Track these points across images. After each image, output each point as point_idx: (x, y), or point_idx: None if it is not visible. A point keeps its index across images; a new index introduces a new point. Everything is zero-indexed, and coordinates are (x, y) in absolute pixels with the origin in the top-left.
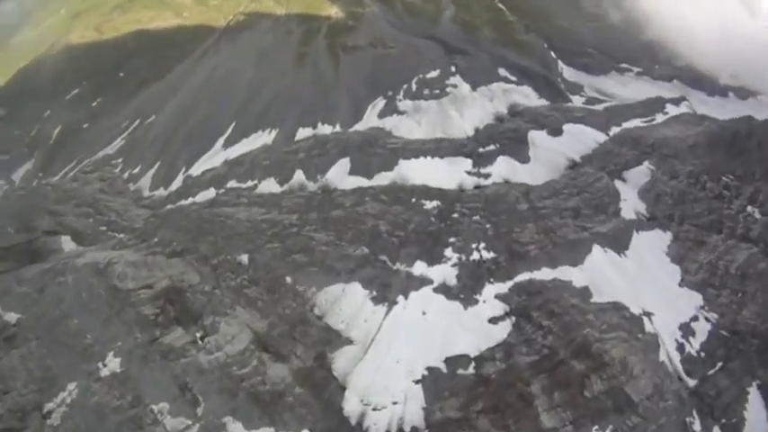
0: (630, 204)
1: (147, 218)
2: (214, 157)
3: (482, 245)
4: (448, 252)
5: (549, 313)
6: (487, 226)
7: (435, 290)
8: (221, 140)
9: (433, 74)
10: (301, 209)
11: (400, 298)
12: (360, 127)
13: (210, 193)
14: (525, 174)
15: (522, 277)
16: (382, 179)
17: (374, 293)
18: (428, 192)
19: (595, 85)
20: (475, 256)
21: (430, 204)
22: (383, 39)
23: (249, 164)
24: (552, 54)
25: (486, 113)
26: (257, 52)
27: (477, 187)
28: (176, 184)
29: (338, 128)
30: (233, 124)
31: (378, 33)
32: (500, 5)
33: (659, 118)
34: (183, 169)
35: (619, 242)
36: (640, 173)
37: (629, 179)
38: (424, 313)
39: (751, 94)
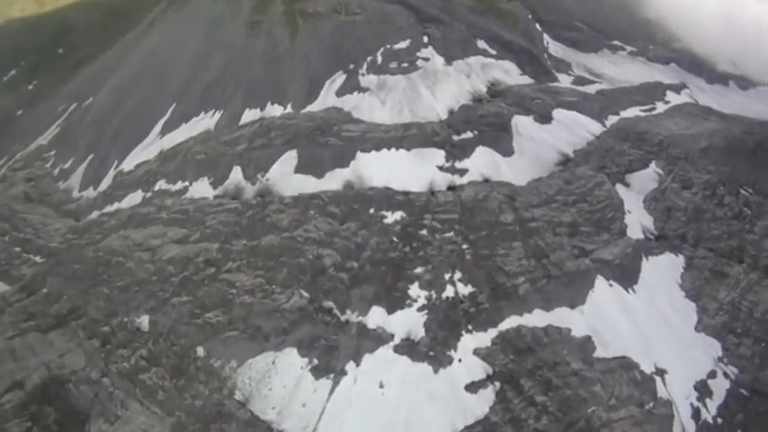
0: (636, 218)
1: (61, 237)
2: (150, 147)
3: (457, 275)
4: (414, 290)
5: (545, 384)
6: (464, 246)
7: (397, 349)
8: (159, 126)
9: (403, 44)
10: (227, 232)
11: (350, 366)
12: (314, 107)
13: (137, 196)
14: (509, 170)
15: (509, 323)
16: (334, 181)
17: (315, 362)
18: (390, 199)
19: (585, 64)
20: (448, 292)
21: (392, 217)
22: (348, 4)
23: (182, 158)
24: (537, 26)
25: (462, 92)
26: (207, 21)
27: (451, 188)
28: (107, 181)
29: (289, 108)
30: (173, 106)
31: None
32: None
33: (660, 107)
34: (116, 163)
35: (626, 273)
36: (647, 178)
37: (634, 184)
38: (381, 386)
39: (752, 85)
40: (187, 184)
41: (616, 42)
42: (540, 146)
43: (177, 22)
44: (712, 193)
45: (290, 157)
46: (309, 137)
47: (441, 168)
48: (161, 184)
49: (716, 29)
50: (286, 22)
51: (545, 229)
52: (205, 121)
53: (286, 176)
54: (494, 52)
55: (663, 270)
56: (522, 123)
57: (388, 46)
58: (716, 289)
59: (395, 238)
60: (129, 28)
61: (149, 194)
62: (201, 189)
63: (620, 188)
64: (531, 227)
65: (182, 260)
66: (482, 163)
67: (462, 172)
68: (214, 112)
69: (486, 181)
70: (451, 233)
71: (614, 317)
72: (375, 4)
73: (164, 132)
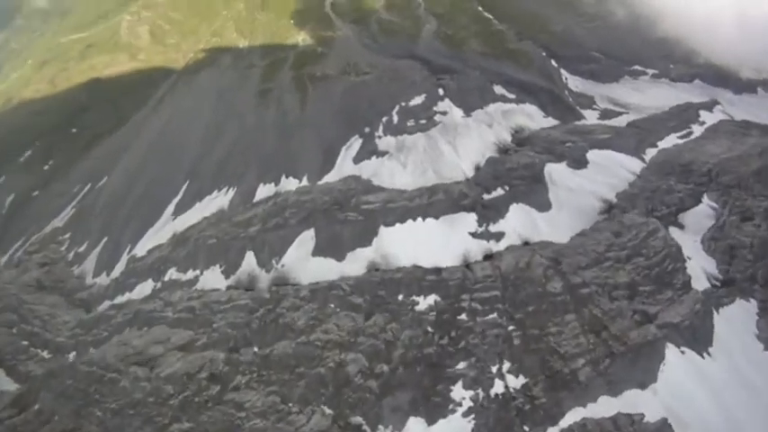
0: (698, 264)
1: (69, 332)
2: (162, 230)
3: (506, 365)
4: (457, 391)
5: None
6: (511, 328)
7: None
8: (172, 206)
9: (418, 100)
10: (236, 336)
11: None
12: (331, 177)
13: (148, 286)
14: (548, 227)
15: (572, 418)
16: (356, 263)
17: None
18: (421, 280)
19: (608, 95)
20: (497, 387)
21: (424, 303)
22: (357, 64)
23: (194, 243)
24: (553, 62)
25: (487, 144)
26: (216, 93)
27: (487, 257)
28: (120, 267)
29: (305, 181)
30: (186, 184)
31: (351, 59)
32: (486, 14)
33: (696, 130)
34: (129, 247)
35: (698, 335)
36: (701, 215)
37: (689, 225)
38: None
39: None
40: (198, 272)
41: (636, 67)
42: (579, 194)
43: (187, 96)
44: None
45: (306, 238)
46: (327, 213)
47: (474, 235)
48: (171, 273)
49: (733, 36)
50: (296, 88)
51: (600, 295)
52: (219, 200)
53: (303, 260)
54: (513, 96)
55: (737, 322)
56: (556, 171)
57: (403, 103)
58: None
59: (430, 329)
60: (140, 104)
61: (159, 285)
62: (213, 279)
63: (674, 232)
64: (583, 294)
65: (182, 377)
66: (518, 223)
67: (498, 236)
68: (228, 189)
69: (526, 243)
70: (495, 314)
71: (692, 391)
72: (385, 60)
73: (176, 213)
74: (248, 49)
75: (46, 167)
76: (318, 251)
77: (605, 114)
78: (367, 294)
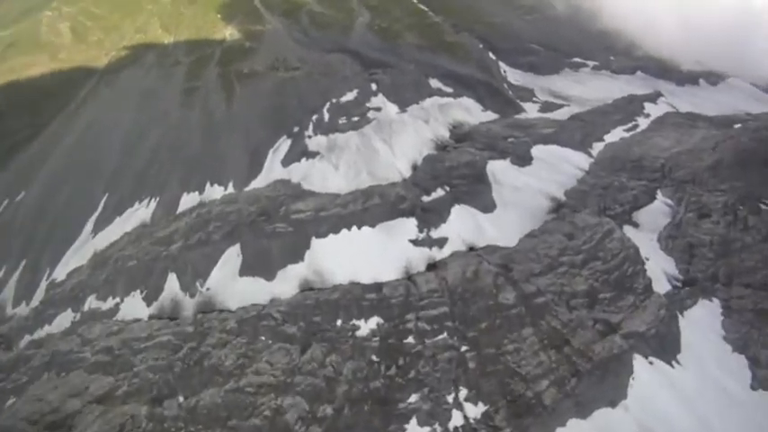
0: (657, 266)
1: None
2: (82, 250)
3: (462, 393)
4: (412, 429)
5: None
6: (463, 349)
7: None
8: (91, 222)
9: (350, 96)
10: (159, 383)
11: None
12: (259, 182)
13: (67, 318)
14: (494, 230)
15: None
16: (287, 283)
17: None
18: (360, 300)
19: (548, 87)
20: (456, 420)
21: (366, 327)
22: (286, 59)
23: (113, 266)
24: (491, 55)
25: (423, 141)
26: (139, 93)
27: (431, 267)
28: (39, 295)
29: (231, 188)
30: (105, 197)
31: (280, 53)
32: (421, 6)
33: (642, 123)
34: (48, 272)
35: (665, 344)
36: (657, 212)
37: (644, 223)
38: None
39: (720, 79)
40: (118, 300)
41: (576, 59)
42: (525, 193)
43: (108, 97)
44: (734, 216)
45: (232, 255)
46: (253, 225)
47: (415, 242)
48: (91, 301)
49: (674, 28)
50: (222, 86)
51: (557, 304)
52: (140, 213)
53: (229, 282)
54: (450, 90)
55: (703, 325)
56: (500, 169)
57: (335, 100)
58: (763, 332)
59: (374, 358)
60: (60, 109)
61: (78, 316)
62: (134, 307)
63: (629, 231)
64: (538, 304)
65: None
66: (462, 226)
67: (441, 242)
68: (149, 201)
69: (472, 249)
70: (444, 334)
71: (664, 403)
72: (316, 55)
73: (96, 230)
74: (173, 45)
75: None
76: (246, 270)
77: (546, 107)
78: (301, 321)
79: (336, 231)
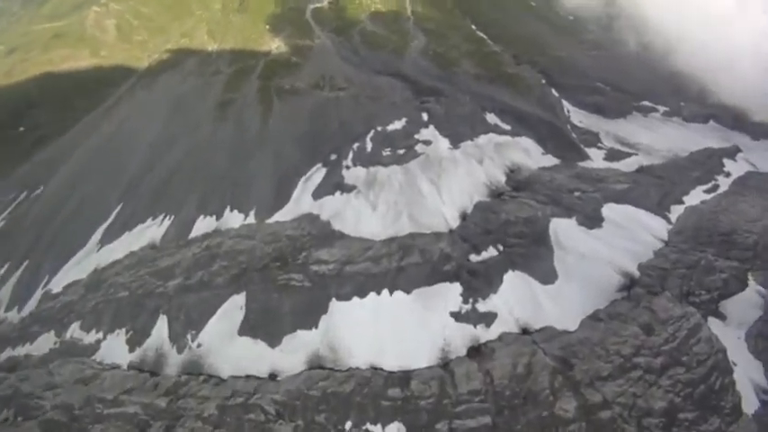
0: (745, 374)
1: None
2: (84, 262)
3: None
4: None
5: None
6: None
7: None
8: (99, 232)
9: (397, 125)
10: None
11: None
12: (283, 215)
13: (48, 341)
14: (553, 306)
15: None
16: (293, 355)
17: None
18: (380, 397)
19: (615, 132)
20: None
21: None
22: (332, 78)
23: (105, 292)
24: (554, 92)
25: (476, 184)
26: (174, 100)
27: (473, 352)
28: (32, 304)
29: (251, 217)
30: (119, 207)
31: (326, 71)
32: (480, 34)
33: (722, 183)
34: (47, 278)
35: None
36: (747, 303)
37: (732, 316)
38: None
39: None
40: (101, 336)
41: (645, 103)
42: (593, 263)
43: (143, 101)
44: None
45: (234, 307)
46: (265, 272)
47: (457, 316)
48: (74, 330)
49: (751, 75)
50: (259, 101)
51: (626, 421)
52: (151, 231)
53: (225, 341)
54: (508, 127)
55: None
56: (564, 230)
57: (380, 128)
58: None
59: None
60: (94, 105)
61: (57, 344)
62: (115, 349)
63: (714, 325)
64: (603, 420)
65: None
66: (515, 299)
67: (489, 319)
68: (163, 219)
69: (525, 332)
70: None
71: None
72: (364, 76)
73: (103, 242)
74: (217, 53)
75: None
76: (247, 328)
77: (613, 155)
78: (300, 419)
79: (362, 294)
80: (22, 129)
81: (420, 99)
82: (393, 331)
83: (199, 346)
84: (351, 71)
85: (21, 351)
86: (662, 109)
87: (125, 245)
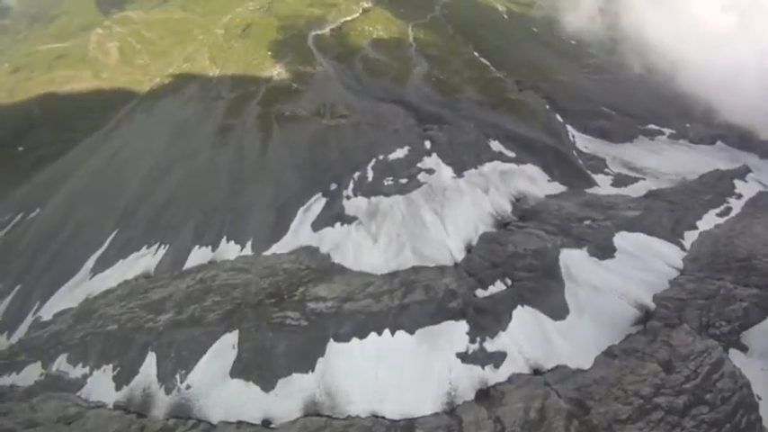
0: None
1: None
2: (76, 289)
3: None
4: None
5: None
6: None
7: None
8: (93, 259)
9: (399, 153)
10: None
11: None
12: (281, 247)
13: (33, 373)
14: (565, 344)
15: None
16: (288, 401)
17: None
18: None
19: (621, 157)
20: None
21: None
22: (333, 105)
23: (94, 324)
24: (558, 117)
25: (481, 215)
26: (173, 125)
27: (482, 394)
28: (21, 330)
29: (248, 248)
30: (114, 233)
31: (327, 98)
32: (482, 60)
33: (735, 205)
34: (38, 305)
35: None
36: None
37: (754, 346)
38: None
39: None
40: (87, 371)
41: (651, 126)
42: (606, 296)
43: (143, 125)
44: None
45: (226, 347)
46: (259, 309)
47: (464, 357)
48: (61, 362)
49: (755, 94)
50: (260, 127)
51: None
52: (145, 260)
53: (216, 382)
54: (512, 154)
55: None
56: (575, 261)
57: (382, 156)
58: None
59: None
60: (94, 128)
61: (43, 376)
62: (102, 386)
63: (735, 357)
64: None
65: None
66: (526, 337)
67: (498, 359)
68: (158, 247)
69: (537, 372)
70: None
71: None
72: (366, 103)
73: (96, 270)
74: (218, 78)
75: None
76: (239, 370)
77: (621, 180)
78: None
79: (362, 334)
80: (21, 148)
81: (423, 126)
82: (395, 375)
83: (188, 387)
84: (352, 98)
85: (7, 380)
86: (668, 131)
87: (119, 273)
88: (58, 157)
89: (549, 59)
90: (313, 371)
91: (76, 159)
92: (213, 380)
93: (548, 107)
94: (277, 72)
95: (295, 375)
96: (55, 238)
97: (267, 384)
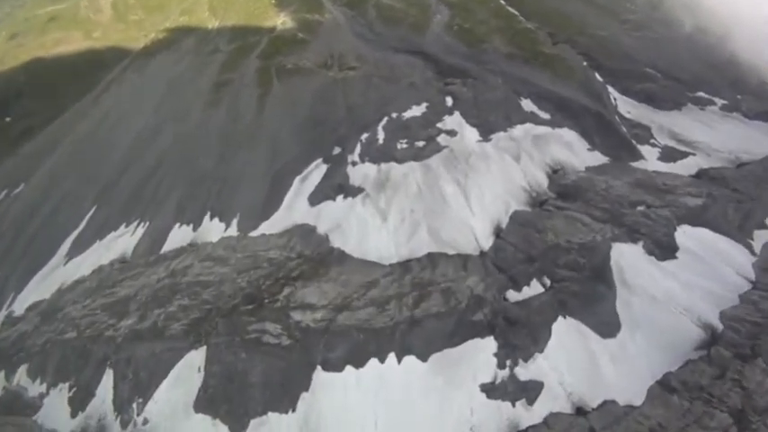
0: None
1: None
2: (49, 277)
3: None
4: None
5: None
6: None
7: None
8: (69, 242)
9: (416, 110)
10: None
11: None
12: (271, 225)
13: None
14: (614, 371)
15: None
16: None
17: None
18: None
19: (669, 127)
20: None
21: None
22: (342, 56)
23: (57, 325)
24: (597, 76)
25: (513, 189)
26: (166, 83)
27: None
28: None
29: (233, 228)
30: (92, 210)
31: (336, 49)
32: (510, 9)
33: None
34: (12, 296)
35: None
36: None
37: None
38: None
39: None
40: (44, 390)
41: (700, 94)
42: (666, 310)
43: (134, 85)
44: None
45: (190, 368)
46: (232, 319)
47: (490, 391)
48: (21, 375)
49: None
50: (258, 82)
51: None
52: (123, 241)
53: (178, 416)
54: (547, 116)
55: None
56: (630, 261)
57: (395, 114)
58: None
59: None
60: (83, 92)
61: (4, 390)
62: (57, 410)
63: None
64: None
65: None
66: (567, 361)
67: (532, 391)
68: (137, 225)
69: (580, 411)
70: None
71: None
72: (378, 54)
73: (70, 254)
74: (217, 30)
75: None
76: (204, 402)
77: (669, 155)
78: None
79: (359, 362)
80: (8, 119)
81: (443, 80)
82: (401, 418)
83: (145, 422)
84: (364, 48)
85: None
86: (719, 102)
87: (95, 257)
88: (46, 126)
89: (584, 11)
90: (294, 410)
91: (64, 128)
92: (174, 413)
93: (585, 64)
94: (281, 21)
95: (271, 415)
96: (36, 217)
97: (237, 424)
